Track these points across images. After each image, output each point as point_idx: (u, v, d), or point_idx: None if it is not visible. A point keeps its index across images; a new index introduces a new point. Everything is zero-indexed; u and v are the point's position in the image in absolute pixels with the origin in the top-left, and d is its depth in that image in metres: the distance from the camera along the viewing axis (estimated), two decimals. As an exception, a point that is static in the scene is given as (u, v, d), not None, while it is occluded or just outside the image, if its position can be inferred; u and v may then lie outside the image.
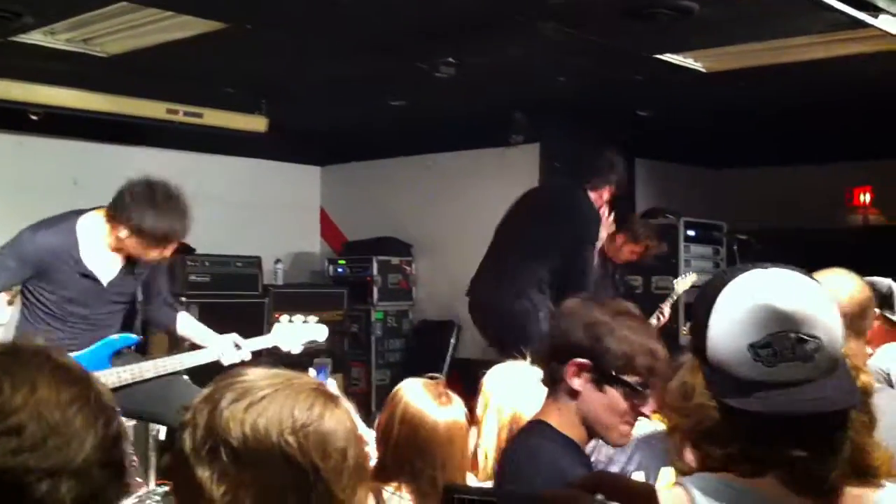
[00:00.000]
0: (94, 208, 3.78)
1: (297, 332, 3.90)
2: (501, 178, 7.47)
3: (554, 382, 2.21)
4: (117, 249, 3.70)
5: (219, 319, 7.16)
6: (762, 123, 7.14)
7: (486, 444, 2.63)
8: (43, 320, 3.63)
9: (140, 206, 3.55)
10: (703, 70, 5.60)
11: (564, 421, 2.17)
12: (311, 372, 3.67)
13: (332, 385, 3.63)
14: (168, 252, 3.70)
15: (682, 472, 1.51)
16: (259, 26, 4.86)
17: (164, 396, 3.59)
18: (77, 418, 1.02)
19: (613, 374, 2.13)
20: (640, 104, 6.77)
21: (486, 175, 7.59)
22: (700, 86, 5.86)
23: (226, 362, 3.77)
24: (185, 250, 7.03)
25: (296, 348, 3.91)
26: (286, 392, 1.33)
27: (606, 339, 2.12)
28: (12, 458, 0.97)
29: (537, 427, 2.20)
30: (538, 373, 2.82)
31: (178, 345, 4.55)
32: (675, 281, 6.26)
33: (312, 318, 3.95)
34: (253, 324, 7.17)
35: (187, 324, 4.07)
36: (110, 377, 3.58)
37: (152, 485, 5.19)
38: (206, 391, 1.36)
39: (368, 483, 1.39)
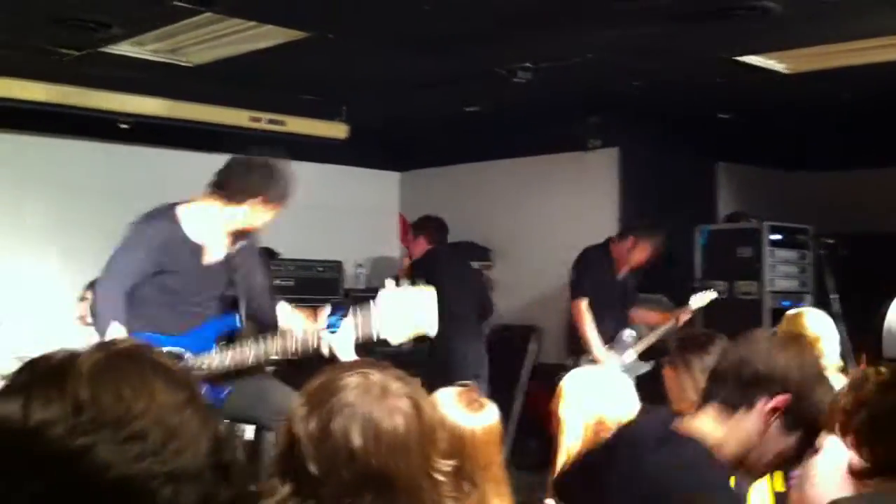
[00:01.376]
0: (183, 202, 3.86)
1: (407, 298, 3.57)
2: (580, 183, 7.45)
3: (736, 405, 2.11)
4: (221, 231, 3.77)
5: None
6: (846, 125, 6.97)
7: (569, 445, 2.64)
8: (149, 305, 3.71)
9: (264, 177, 3.71)
10: (786, 71, 5.50)
11: (723, 440, 2.07)
12: (326, 310, 3.65)
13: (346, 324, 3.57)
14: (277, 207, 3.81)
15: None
16: (340, 35, 4.94)
17: (261, 397, 3.65)
18: (193, 421, 1.02)
19: (810, 423, 2.04)
20: (721, 107, 6.67)
21: (564, 179, 7.56)
22: (783, 87, 5.76)
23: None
24: (270, 254, 7.18)
25: (397, 337, 3.79)
26: (355, 392, 1.38)
27: (818, 387, 2.05)
28: (137, 464, 0.96)
29: (689, 441, 2.09)
30: (618, 376, 2.81)
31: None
32: (692, 297, 6.19)
33: (420, 282, 3.77)
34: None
35: (291, 313, 4.04)
36: (215, 359, 3.64)
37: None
38: (298, 395, 1.43)
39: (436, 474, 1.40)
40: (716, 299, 6.23)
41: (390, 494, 1.41)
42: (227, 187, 3.75)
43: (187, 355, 3.62)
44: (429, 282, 6.29)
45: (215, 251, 3.81)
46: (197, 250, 3.75)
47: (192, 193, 3.90)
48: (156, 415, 0.99)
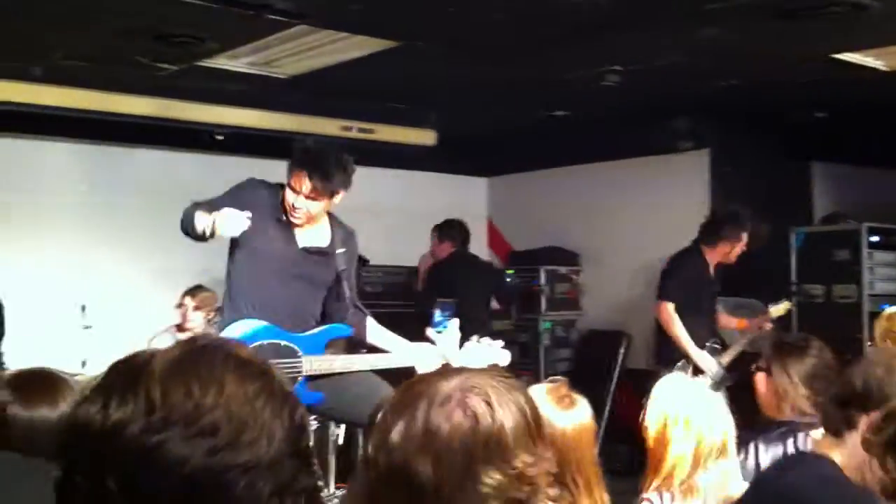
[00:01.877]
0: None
1: (482, 353, 3.83)
2: (669, 186, 7.35)
3: (841, 428, 2.11)
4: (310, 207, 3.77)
5: (390, 329, 7.40)
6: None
7: (677, 454, 2.56)
8: (243, 298, 3.75)
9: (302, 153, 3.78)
10: (884, 68, 5.35)
11: (850, 465, 2.07)
12: (437, 312, 3.69)
13: (454, 325, 3.68)
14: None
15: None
16: (428, 43, 4.99)
17: (366, 399, 3.65)
18: (265, 411, 1.03)
19: None
20: (816, 105, 6.52)
21: (653, 183, 7.48)
22: (880, 85, 5.60)
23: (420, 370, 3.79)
24: (360, 261, 7.27)
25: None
26: (410, 399, 1.38)
27: None
28: (210, 458, 0.98)
29: (829, 464, 2.06)
30: (707, 386, 2.76)
31: (356, 348, 4.61)
32: (771, 307, 6.05)
33: (498, 343, 3.89)
34: (422, 333, 7.33)
35: (377, 332, 4.06)
36: (323, 363, 3.71)
37: (332, 488, 5.37)
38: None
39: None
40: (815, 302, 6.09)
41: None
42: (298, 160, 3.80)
43: (300, 353, 3.70)
44: (447, 284, 6.54)
45: (310, 236, 3.84)
46: (287, 228, 3.78)
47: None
48: (225, 408, 1.00)
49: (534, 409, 1.44)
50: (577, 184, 8.09)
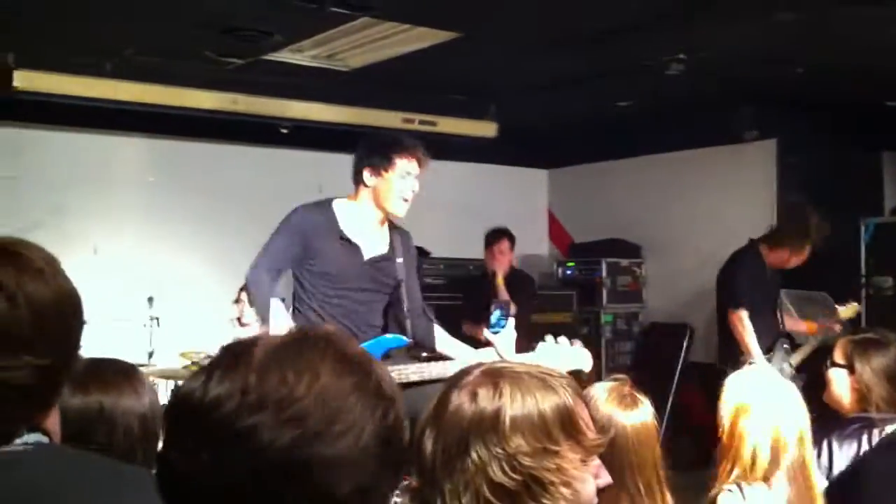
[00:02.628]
0: (338, 197, 3.92)
1: (561, 355, 3.54)
2: (735, 177, 7.24)
3: None
4: (374, 221, 3.81)
5: (452, 321, 7.43)
6: None
7: (755, 444, 2.53)
8: (316, 300, 3.77)
9: (384, 142, 3.85)
10: (961, 54, 5.20)
11: None
12: (496, 313, 3.62)
13: (511, 325, 3.61)
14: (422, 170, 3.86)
15: None
16: (489, 33, 4.98)
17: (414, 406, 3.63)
18: (357, 406, 1.03)
19: None
20: (888, 94, 6.36)
21: (718, 174, 7.37)
22: (957, 71, 5.45)
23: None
24: (422, 254, 7.29)
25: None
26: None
27: None
28: (296, 445, 0.99)
29: None
30: (783, 380, 2.72)
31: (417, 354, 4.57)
32: (839, 308, 5.89)
33: (578, 343, 3.63)
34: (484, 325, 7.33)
35: (445, 339, 4.00)
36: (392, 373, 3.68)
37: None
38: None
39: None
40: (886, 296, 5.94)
41: None
42: (357, 168, 3.81)
43: None
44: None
45: (368, 246, 3.85)
46: (346, 237, 3.79)
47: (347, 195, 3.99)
48: (317, 398, 1.01)
49: (567, 410, 1.45)
50: (640, 175, 8.01)
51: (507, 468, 1.38)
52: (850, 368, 3.06)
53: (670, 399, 7.14)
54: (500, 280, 6.68)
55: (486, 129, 7.02)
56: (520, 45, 5.25)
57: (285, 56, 5.39)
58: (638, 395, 2.40)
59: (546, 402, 1.44)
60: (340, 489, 1.01)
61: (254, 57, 5.34)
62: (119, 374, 2.03)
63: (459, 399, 1.43)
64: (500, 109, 6.94)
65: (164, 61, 5.45)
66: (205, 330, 5.69)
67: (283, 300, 3.96)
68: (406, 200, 3.80)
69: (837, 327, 5.84)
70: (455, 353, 3.90)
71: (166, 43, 5.14)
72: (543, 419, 1.42)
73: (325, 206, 3.83)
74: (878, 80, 5.95)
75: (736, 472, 2.54)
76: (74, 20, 4.73)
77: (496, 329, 3.70)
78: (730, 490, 2.52)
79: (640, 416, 2.35)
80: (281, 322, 3.60)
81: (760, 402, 2.56)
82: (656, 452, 2.38)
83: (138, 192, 6.88)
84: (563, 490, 1.40)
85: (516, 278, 6.85)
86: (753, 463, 2.51)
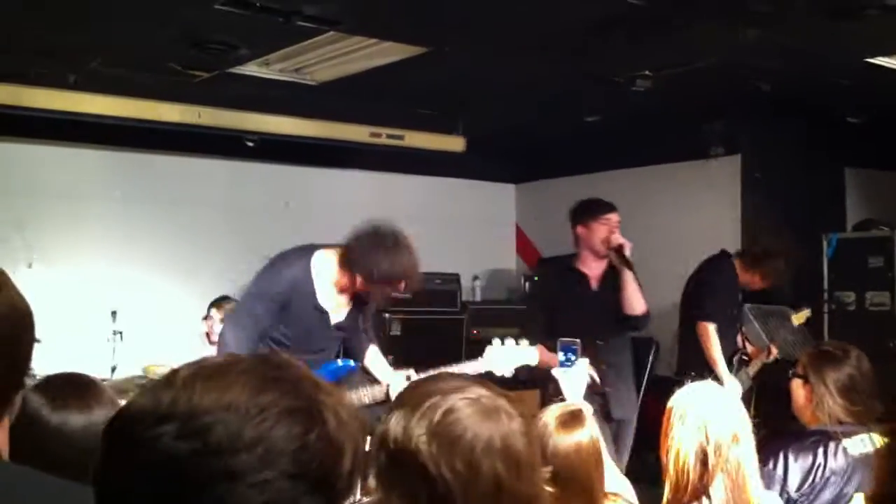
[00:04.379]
0: (324, 246, 3.88)
1: (508, 355, 3.80)
2: (701, 192, 7.30)
3: None
4: (346, 290, 3.82)
5: (419, 335, 7.42)
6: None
7: (681, 450, 2.53)
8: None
9: (373, 255, 3.65)
10: (920, 73, 5.29)
11: None
12: (560, 355, 3.49)
13: (583, 364, 3.41)
14: (399, 289, 3.82)
15: None
16: (457, 48, 4.99)
17: None
18: (269, 424, 1.01)
19: None
20: (850, 110, 6.45)
21: (684, 189, 7.43)
22: (916, 89, 5.53)
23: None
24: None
25: (508, 372, 3.80)
26: (440, 399, 1.40)
27: None
28: (195, 459, 0.99)
29: None
30: (728, 393, 2.72)
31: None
32: (792, 315, 5.97)
33: (524, 342, 3.84)
34: (451, 339, 7.33)
35: (373, 357, 4.10)
36: None
37: (358, 494, 5.38)
38: (398, 394, 1.49)
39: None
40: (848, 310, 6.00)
41: None
42: (348, 254, 3.75)
43: None
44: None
45: (338, 311, 3.87)
46: (320, 307, 3.80)
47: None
48: (223, 414, 1.01)
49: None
50: (607, 190, 7.99)
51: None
52: (807, 380, 3.10)
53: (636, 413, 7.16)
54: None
55: (454, 143, 7.03)
56: (488, 61, 5.27)
57: (252, 69, 5.37)
58: (582, 416, 2.44)
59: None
60: None
61: (220, 70, 5.31)
62: (75, 388, 2.00)
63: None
64: (468, 124, 6.95)
65: (128, 73, 5.40)
66: (169, 344, 5.67)
67: (223, 298, 3.97)
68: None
69: (774, 355, 5.84)
70: (378, 373, 3.98)
71: (131, 55, 5.10)
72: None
73: (304, 263, 3.78)
74: (842, 97, 6.04)
75: (668, 489, 2.53)
76: (37, 31, 4.68)
77: (567, 365, 3.49)
78: None
79: (578, 436, 2.40)
80: None
81: (688, 406, 2.56)
82: (598, 471, 2.42)
83: (103, 205, 6.81)
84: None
85: None
86: (683, 473, 2.49)
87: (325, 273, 3.80)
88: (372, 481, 1.37)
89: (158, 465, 0.99)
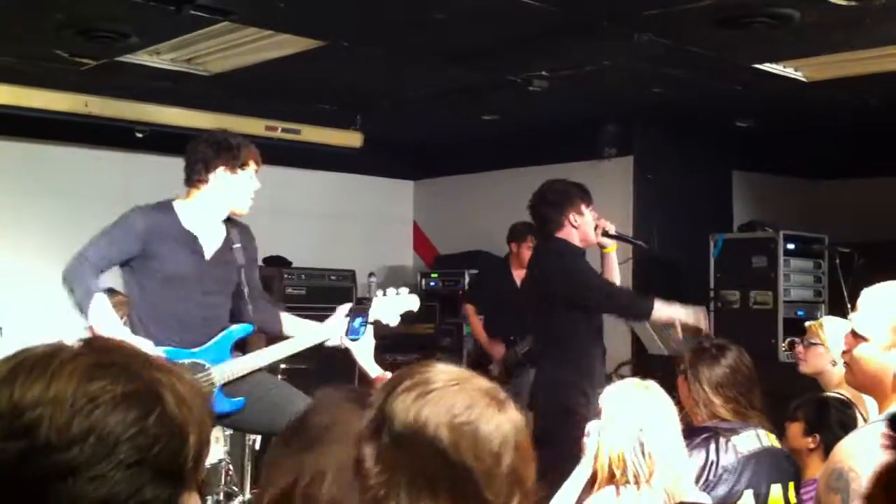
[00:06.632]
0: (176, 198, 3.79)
1: (393, 303, 3.85)
2: (594, 192, 7.39)
3: None
4: (214, 220, 3.72)
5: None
6: (864, 133, 6.94)
7: (604, 458, 2.57)
8: (153, 322, 3.62)
9: (211, 145, 3.68)
10: (804, 79, 5.48)
11: None
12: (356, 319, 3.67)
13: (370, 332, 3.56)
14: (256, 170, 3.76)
15: None
16: (355, 43, 4.95)
17: (281, 408, 3.55)
18: (101, 412, 0.96)
19: None
20: (738, 114, 6.66)
21: (578, 188, 7.53)
22: (801, 95, 5.74)
23: (331, 344, 3.75)
24: (282, 263, 7.18)
25: (394, 320, 3.86)
26: (455, 389, 1.36)
27: None
28: (24, 459, 0.93)
29: None
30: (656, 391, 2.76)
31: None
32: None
33: (404, 290, 3.90)
34: (347, 336, 7.28)
35: (291, 321, 3.98)
36: (235, 366, 3.61)
37: (247, 494, 5.29)
38: (391, 376, 1.42)
39: (528, 494, 1.39)
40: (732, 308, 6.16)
41: None
42: (189, 173, 3.70)
43: (208, 366, 3.60)
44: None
45: (210, 242, 3.74)
46: (193, 240, 3.68)
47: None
48: (48, 407, 0.95)
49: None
50: (504, 188, 8.11)
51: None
52: (686, 376, 3.17)
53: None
54: None
55: (351, 139, 6.98)
56: (385, 56, 5.25)
57: (142, 59, 5.22)
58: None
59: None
60: (87, 501, 0.94)
61: (109, 58, 5.15)
62: None
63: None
64: (366, 120, 6.92)
65: (13, 61, 5.19)
66: (52, 339, 5.47)
67: (109, 291, 3.85)
68: (251, 199, 3.76)
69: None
70: (300, 332, 3.85)
71: (16, 42, 4.90)
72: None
73: (165, 206, 3.70)
74: (730, 102, 6.22)
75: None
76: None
77: (355, 337, 3.70)
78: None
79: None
80: (106, 317, 3.45)
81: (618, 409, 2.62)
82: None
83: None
84: None
85: None
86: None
87: (191, 209, 3.69)
88: (369, 460, 1.33)
89: None
